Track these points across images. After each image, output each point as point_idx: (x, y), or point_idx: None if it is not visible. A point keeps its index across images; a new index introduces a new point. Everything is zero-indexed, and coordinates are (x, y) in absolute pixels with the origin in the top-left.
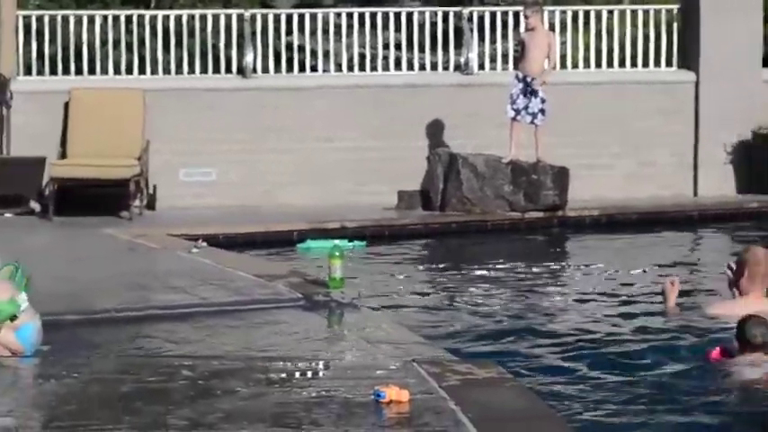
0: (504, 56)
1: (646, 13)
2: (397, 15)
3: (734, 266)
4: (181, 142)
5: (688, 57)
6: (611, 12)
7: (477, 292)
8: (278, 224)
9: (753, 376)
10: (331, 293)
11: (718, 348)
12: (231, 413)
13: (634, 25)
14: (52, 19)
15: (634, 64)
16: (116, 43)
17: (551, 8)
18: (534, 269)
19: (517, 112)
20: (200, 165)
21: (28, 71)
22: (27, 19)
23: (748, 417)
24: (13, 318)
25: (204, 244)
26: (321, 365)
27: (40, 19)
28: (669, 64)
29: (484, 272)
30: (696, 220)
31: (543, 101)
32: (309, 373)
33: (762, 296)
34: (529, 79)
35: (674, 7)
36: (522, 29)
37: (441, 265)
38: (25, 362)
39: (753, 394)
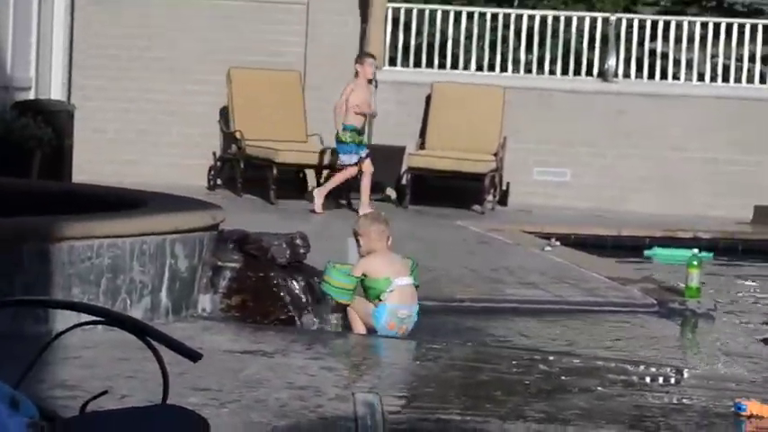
0: None
1: None
2: (766, 28)
3: None
4: (537, 141)
5: None
6: None
7: None
8: (630, 229)
9: None
10: (687, 302)
11: None
12: (587, 410)
13: None
14: (420, 12)
15: None
16: (479, 39)
17: None
18: None
19: None
20: (555, 164)
21: (392, 62)
22: (396, 12)
23: None
24: (380, 296)
25: (557, 243)
26: (677, 372)
27: (408, 12)
28: None
29: None
30: None
31: None
32: (666, 379)
33: None
34: None
35: None
36: None
37: None
38: (388, 342)
39: None
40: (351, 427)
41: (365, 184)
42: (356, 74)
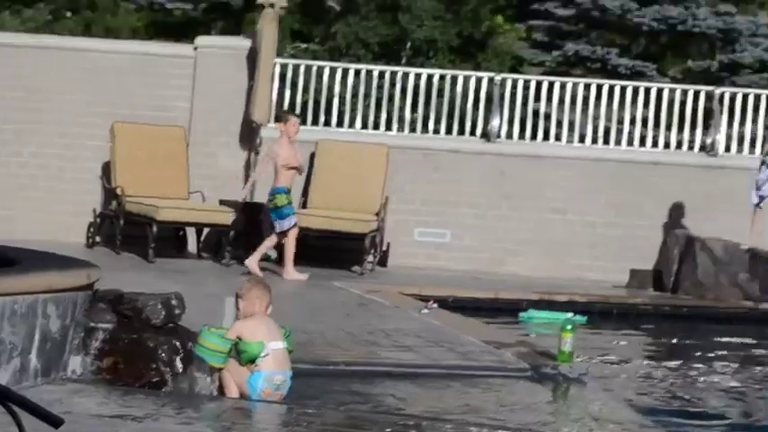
0: (752, 139)
1: None
2: (647, 91)
3: None
4: (419, 201)
5: None
6: None
7: (704, 378)
8: (507, 291)
9: None
10: (559, 366)
11: None
12: None
13: None
14: (307, 69)
15: None
16: (365, 97)
17: None
18: (765, 361)
19: (761, 198)
20: (436, 225)
21: (278, 119)
22: (284, 68)
23: None
24: (253, 360)
25: (435, 305)
26: None
27: (296, 68)
28: None
29: (712, 358)
30: None
31: None
32: None
33: None
34: None
35: None
36: None
37: (669, 348)
38: (260, 406)
39: None
40: None
41: (290, 247)
42: (280, 134)
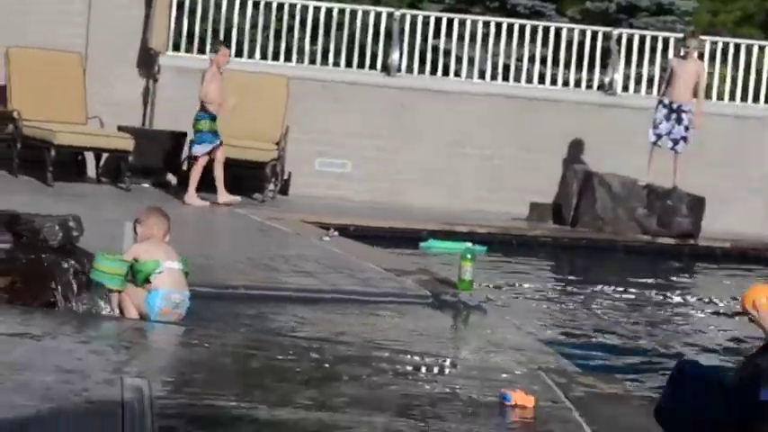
0: (649, 80)
1: None
2: (546, 30)
3: None
4: (319, 132)
5: None
6: (762, 48)
7: (602, 308)
8: (409, 221)
9: None
10: (460, 294)
11: None
12: (356, 399)
13: None
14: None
15: None
16: (264, 29)
17: (703, 38)
18: (660, 292)
19: (659, 137)
20: (337, 156)
21: (176, 48)
22: None
23: None
24: (148, 279)
25: (335, 233)
26: (447, 363)
27: None
28: None
29: (609, 290)
30: None
31: (687, 128)
32: (435, 369)
33: None
34: (675, 106)
35: None
36: (671, 54)
37: (567, 279)
38: (160, 327)
39: None
40: (117, 412)
41: (219, 173)
42: (210, 63)
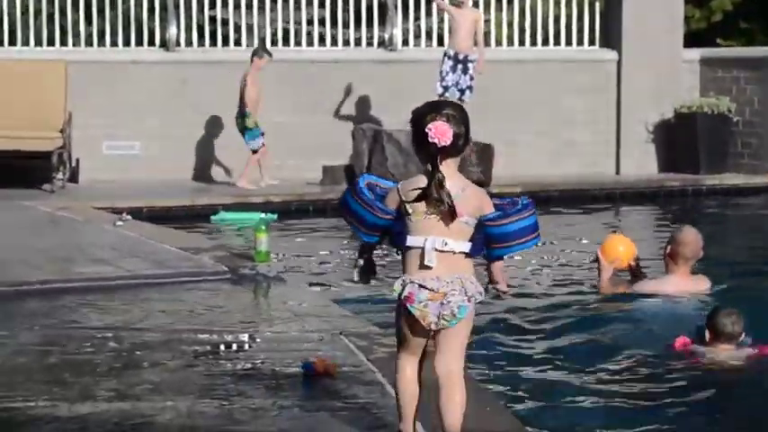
0: (428, 33)
1: None
2: None
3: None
4: (104, 115)
5: (610, 36)
6: None
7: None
8: (202, 197)
9: (722, 364)
10: (257, 267)
11: (683, 337)
12: (158, 385)
13: (557, 4)
14: None
15: (557, 42)
16: (37, 14)
17: None
18: None
19: (446, 89)
20: (124, 138)
21: None
22: None
23: (714, 404)
24: None
25: (128, 217)
26: (248, 338)
27: None
28: (592, 43)
29: None
30: (618, 199)
31: (472, 78)
32: (237, 346)
33: (687, 275)
34: (461, 57)
35: None
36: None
37: None
38: None
39: (720, 382)
40: None
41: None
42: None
